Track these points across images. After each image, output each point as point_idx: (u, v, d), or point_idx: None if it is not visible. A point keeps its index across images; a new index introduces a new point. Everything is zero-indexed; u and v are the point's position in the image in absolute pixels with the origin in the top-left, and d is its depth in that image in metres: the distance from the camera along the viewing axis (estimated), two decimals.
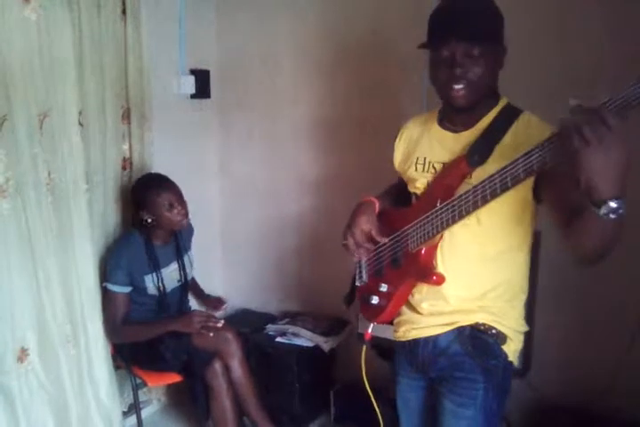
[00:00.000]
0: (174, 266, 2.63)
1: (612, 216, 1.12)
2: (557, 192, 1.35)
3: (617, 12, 2.19)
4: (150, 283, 2.52)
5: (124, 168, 2.67)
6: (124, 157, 2.68)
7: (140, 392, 2.70)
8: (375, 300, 1.68)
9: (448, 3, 1.45)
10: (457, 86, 1.41)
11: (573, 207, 1.24)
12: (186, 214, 2.51)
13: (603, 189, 1.10)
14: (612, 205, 1.11)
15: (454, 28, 1.39)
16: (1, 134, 2.06)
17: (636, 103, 1.05)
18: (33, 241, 2.21)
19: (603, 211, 1.12)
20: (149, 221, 2.48)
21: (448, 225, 1.43)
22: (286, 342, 2.89)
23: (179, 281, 2.66)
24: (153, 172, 2.67)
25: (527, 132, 1.41)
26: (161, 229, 2.52)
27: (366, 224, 1.64)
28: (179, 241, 2.66)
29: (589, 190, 1.12)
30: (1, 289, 2.14)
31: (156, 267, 2.52)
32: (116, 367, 2.59)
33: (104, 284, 2.45)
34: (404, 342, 1.67)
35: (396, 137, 1.73)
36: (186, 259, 2.69)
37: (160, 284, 2.53)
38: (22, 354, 2.24)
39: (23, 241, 2.18)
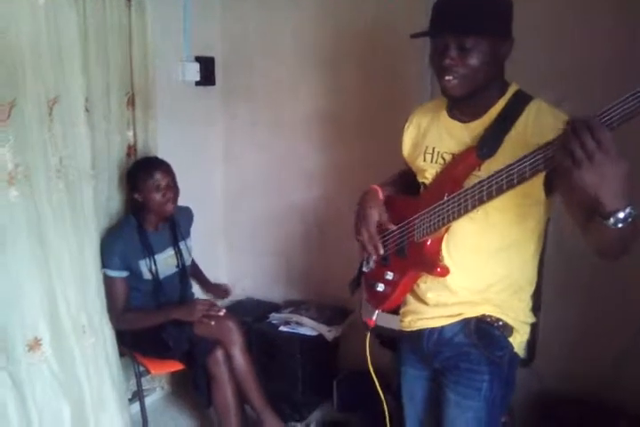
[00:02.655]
0: (170, 252, 2.64)
1: (619, 226, 1.12)
2: (571, 191, 1.32)
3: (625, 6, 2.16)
4: (145, 268, 2.52)
5: (128, 155, 2.66)
6: (129, 144, 2.67)
7: (143, 380, 2.71)
8: (381, 287, 1.67)
9: None
10: (447, 77, 1.40)
11: (587, 206, 1.22)
12: (172, 199, 2.51)
13: (607, 203, 1.10)
14: (620, 216, 1.11)
15: (446, 20, 1.39)
16: (10, 120, 2.03)
17: (627, 118, 1.04)
18: (43, 228, 2.18)
19: (611, 222, 1.12)
20: (140, 201, 2.49)
21: (454, 218, 1.41)
22: (290, 330, 2.89)
23: (176, 267, 2.66)
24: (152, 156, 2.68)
25: (538, 120, 1.39)
26: (150, 212, 2.53)
27: (376, 216, 1.63)
28: (175, 227, 2.66)
29: (595, 204, 1.12)
30: (9, 278, 2.12)
31: (149, 252, 2.52)
32: (120, 355, 2.59)
33: (102, 270, 2.45)
34: (409, 332, 1.66)
35: (405, 123, 1.71)
36: (182, 245, 2.68)
37: (153, 268, 2.53)
38: (35, 344, 2.22)
39: (32, 229, 2.15)
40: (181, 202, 2.63)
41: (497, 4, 1.40)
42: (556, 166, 1.15)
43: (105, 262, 2.44)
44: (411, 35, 1.45)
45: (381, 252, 1.62)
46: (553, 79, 2.24)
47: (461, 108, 1.52)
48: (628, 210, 1.11)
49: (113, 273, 2.46)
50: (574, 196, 1.31)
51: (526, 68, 1.95)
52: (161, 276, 2.58)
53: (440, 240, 1.52)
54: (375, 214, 1.63)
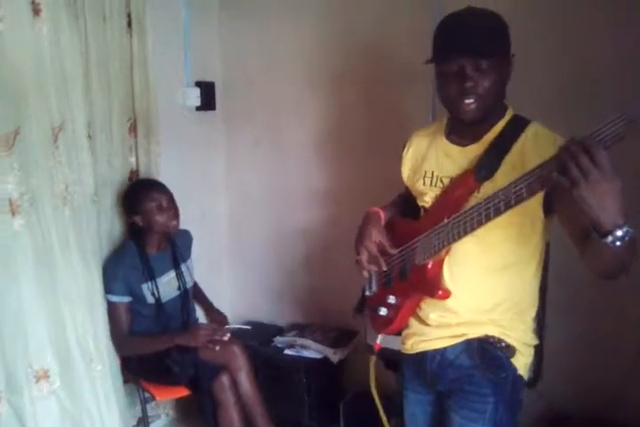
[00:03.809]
0: (172, 274, 2.63)
1: (618, 244, 1.13)
2: (569, 209, 1.33)
3: (622, 15, 2.19)
4: (147, 291, 2.51)
5: (131, 180, 2.67)
6: (132, 169, 2.68)
7: (148, 407, 2.69)
8: (383, 311, 1.67)
9: (453, 17, 1.44)
10: (467, 101, 1.41)
11: (585, 226, 1.23)
12: (175, 216, 2.51)
13: (605, 221, 1.12)
14: (618, 234, 1.12)
15: (462, 42, 1.39)
16: (14, 148, 2.03)
17: (617, 139, 1.05)
18: (50, 256, 2.17)
19: (609, 240, 1.13)
20: (140, 224, 2.49)
21: (454, 240, 1.42)
22: (295, 354, 2.87)
23: (178, 289, 2.65)
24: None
25: (535, 144, 1.41)
26: (152, 233, 2.52)
27: (377, 236, 1.63)
28: (175, 249, 2.66)
29: (592, 222, 1.14)
30: (11, 309, 2.09)
31: (151, 275, 2.52)
32: (124, 381, 2.58)
33: (105, 296, 2.43)
34: (411, 354, 1.66)
35: (403, 149, 1.72)
36: (184, 267, 2.68)
37: (155, 292, 2.52)
38: (43, 375, 2.19)
39: (40, 257, 2.14)
40: (185, 225, 2.64)
41: (501, 24, 1.42)
42: (553, 186, 1.16)
43: (107, 288, 2.43)
44: (425, 61, 1.45)
45: (384, 268, 1.61)
46: (556, 90, 2.28)
47: (461, 132, 1.54)
48: (625, 228, 1.12)
49: (115, 298, 2.44)
50: (572, 215, 1.31)
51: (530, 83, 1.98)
52: (164, 299, 2.57)
53: (441, 263, 1.52)
54: (376, 235, 1.63)
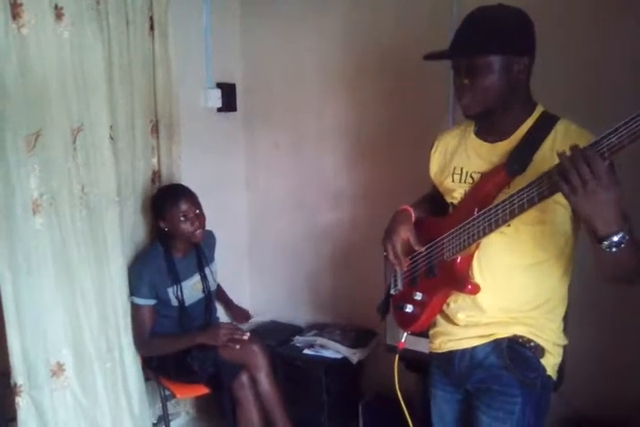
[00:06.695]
0: (196, 278, 2.65)
1: (614, 250, 1.17)
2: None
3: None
4: (172, 295, 2.53)
5: (153, 181, 2.70)
6: (154, 170, 2.71)
7: (168, 404, 2.72)
8: (409, 308, 1.66)
9: (465, 17, 1.47)
10: (462, 97, 1.45)
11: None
12: (200, 227, 2.51)
13: (599, 228, 1.16)
14: (614, 239, 1.16)
15: (454, 42, 1.46)
16: (35, 150, 2.08)
17: (615, 150, 1.10)
18: (68, 255, 2.22)
19: (605, 245, 1.17)
20: (166, 230, 2.50)
21: (484, 234, 1.41)
22: (314, 353, 2.88)
23: (202, 292, 2.67)
24: (176, 182, 2.69)
25: (565, 140, 1.40)
26: (178, 239, 2.53)
27: (405, 233, 1.63)
28: (200, 253, 2.67)
29: (589, 229, 1.19)
30: (33, 304, 2.15)
31: (176, 279, 2.54)
32: (146, 379, 2.61)
33: (130, 298, 2.47)
34: (439, 353, 1.65)
35: (431, 148, 1.72)
36: (207, 270, 2.69)
37: (180, 295, 2.54)
38: (58, 369, 2.24)
39: (57, 255, 2.19)
40: (206, 226, 2.65)
41: (506, 22, 1.42)
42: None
43: (133, 290, 2.46)
44: (423, 57, 1.51)
45: (404, 268, 1.63)
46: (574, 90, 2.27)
47: (488, 129, 1.54)
48: (620, 234, 1.16)
49: (141, 301, 2.48)
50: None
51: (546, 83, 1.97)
52: (188, 302, 2.59)
53: (470, 258, 1.52)
54: (403, 232, 1.63)
